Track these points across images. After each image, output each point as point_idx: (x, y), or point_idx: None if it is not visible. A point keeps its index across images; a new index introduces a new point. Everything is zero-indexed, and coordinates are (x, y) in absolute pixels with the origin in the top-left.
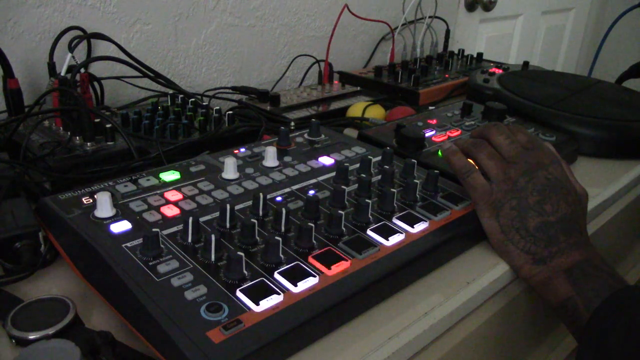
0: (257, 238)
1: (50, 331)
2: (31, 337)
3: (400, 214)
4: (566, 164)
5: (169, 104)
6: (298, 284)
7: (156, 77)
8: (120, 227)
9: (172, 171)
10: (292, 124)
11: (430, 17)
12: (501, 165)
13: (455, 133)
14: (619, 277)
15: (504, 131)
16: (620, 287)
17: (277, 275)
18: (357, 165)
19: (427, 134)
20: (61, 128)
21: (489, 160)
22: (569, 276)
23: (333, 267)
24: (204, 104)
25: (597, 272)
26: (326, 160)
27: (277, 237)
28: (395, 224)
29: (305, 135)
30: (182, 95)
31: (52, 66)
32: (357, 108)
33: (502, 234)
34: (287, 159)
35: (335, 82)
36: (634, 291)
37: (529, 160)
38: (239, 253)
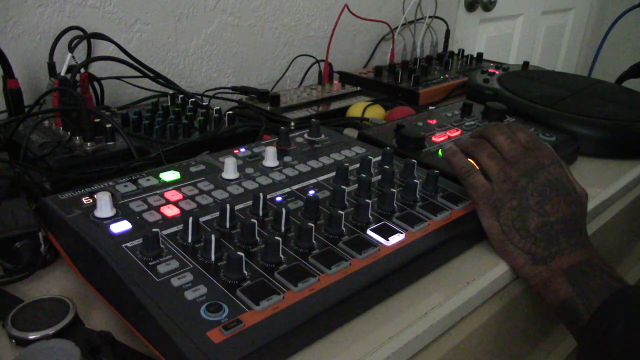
0: (257, 238)
1: (50, 331)
2: (31, 337)
3: (400, 214)
4: (565, 165)
5: (169, 104)
6: (298, 284)
7: (156, 77)
8: (120, 227)
9: (172, 171)
10: (292, 124)
11: (430, 17)
12: (502, 166)
13: (455, 133)
14: (619, 278)
15: (504, 131)
16: (620, 288)
17: (277, 275)
18: (357, 165)
19: (427, 134)
20: (61, 128)
21: (490, 160)
22: (569, 277)
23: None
24: (204, 104)
25: (597, 273)
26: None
27: (277, 237)
28: (395, 224)
29: (305, 135)
30: (182, 95)
31: (52, 66)
32: (357, 108)
33: (502, 234)
34: (287, 159)
35: (335, 82)
36: (634, 291)
37: (530, 161)
38: (239, 253)
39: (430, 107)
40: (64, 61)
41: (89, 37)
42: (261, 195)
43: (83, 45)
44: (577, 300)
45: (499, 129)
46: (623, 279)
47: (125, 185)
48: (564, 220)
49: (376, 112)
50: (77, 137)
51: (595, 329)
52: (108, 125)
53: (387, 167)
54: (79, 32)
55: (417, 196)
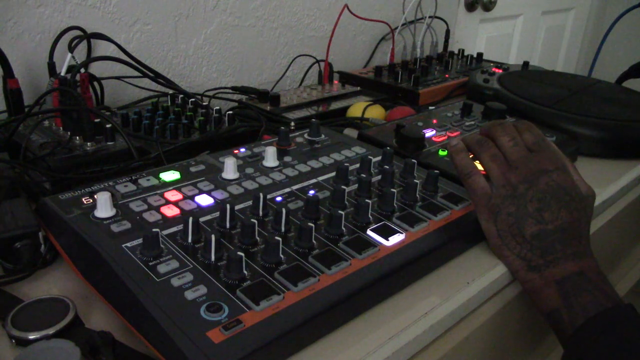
0: (257, 238)
1: (50, 331)
2: (31, 337)
3: (400, 214)
4: (570, 163)
5: (169, 104)
6: (298, 284)
7: (156, 77)
8: (120, 227)
9: (172, 171)
10: (292, 124)
11: (430, 17)
12: (503, 169)
13: (455, 133)
14: (611, 293)
15: (509, 132)
16: (608, 307)
17: (277, 275)
18: (357, 165)
19: (427, 134)
20: (61, 128)
21: (492, 162)
22: (560, 288)
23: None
24: (204, 104)
25: (589, 287)
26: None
27: (277, 237)
28: (395, 224)
29: (305, 135)
30: (182, 95)
31: (52, 66)
32: (357, 108)
33: (498, 238)
34: (287, 159)
35: (335, 82)
36: (619, 313)
37: (532, 166)
38: (239, 253)
39: (430, 107)
40: (64, 61)
41: (89, 37)
42: (261, 195)
43: (83, 45)
44: (563, 313)
45: (504, 129)
46: (615, 294)
47: (125, 185)
48: (562, 229)
49: (376, 112)
50: (77, 137)
51: (576, 347)
52: (108, 125)
53: (387, 167)
54: (79, 32)
55: (417, 196)
